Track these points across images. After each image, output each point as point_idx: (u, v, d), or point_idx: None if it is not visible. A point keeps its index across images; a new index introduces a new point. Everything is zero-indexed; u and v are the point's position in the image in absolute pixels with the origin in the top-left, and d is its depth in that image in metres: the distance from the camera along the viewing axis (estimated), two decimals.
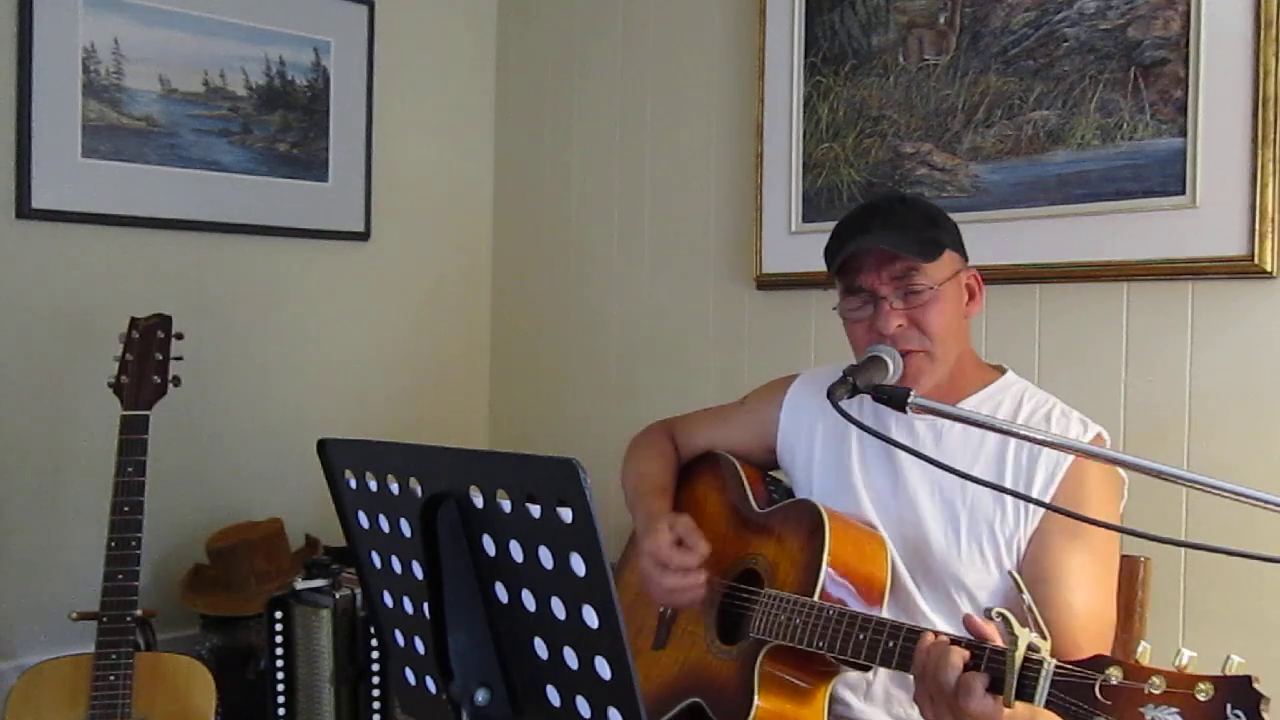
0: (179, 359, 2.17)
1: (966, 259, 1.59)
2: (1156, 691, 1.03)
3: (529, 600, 1.05)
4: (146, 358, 2.13)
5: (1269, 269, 1.81)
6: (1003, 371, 1.63)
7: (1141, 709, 1.03)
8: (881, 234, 1.50)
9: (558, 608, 1.02)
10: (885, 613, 1.49)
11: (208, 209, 2.81)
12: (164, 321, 2.17)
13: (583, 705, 1.03)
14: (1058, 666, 1.11)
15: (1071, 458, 1.48)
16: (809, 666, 1.49)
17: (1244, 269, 1.84)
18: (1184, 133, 1.89)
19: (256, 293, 2.92)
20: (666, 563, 1.57)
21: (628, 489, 1.82)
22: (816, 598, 1.46)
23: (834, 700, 1.54)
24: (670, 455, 1.86)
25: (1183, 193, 1.90)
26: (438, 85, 3.25)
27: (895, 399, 1.36)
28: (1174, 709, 1.02)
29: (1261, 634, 1.81)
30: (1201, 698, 1.00)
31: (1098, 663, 1.08)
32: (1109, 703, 1.06)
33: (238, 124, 2.86)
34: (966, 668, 1.19)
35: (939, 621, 1.52)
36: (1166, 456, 1.88)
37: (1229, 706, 0.99)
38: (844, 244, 1.54)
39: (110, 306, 2.49)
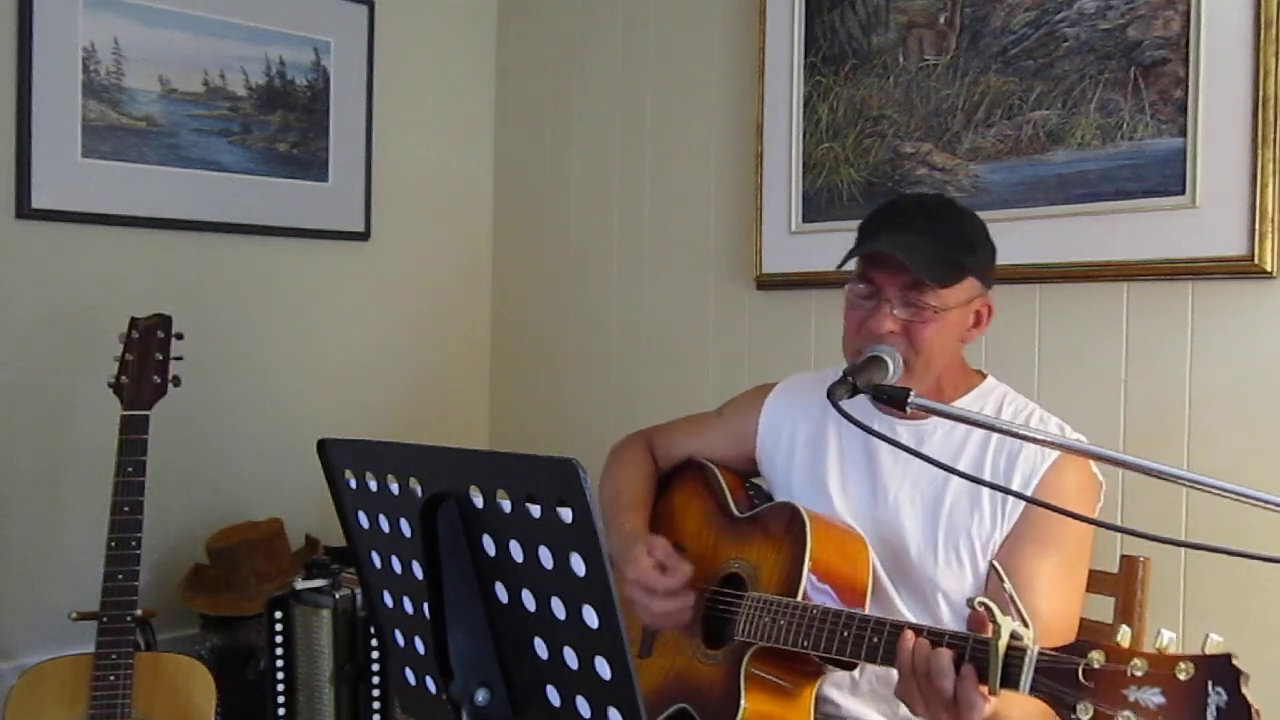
0: (179, 359, 2.17)
1: (990, 286, 1.57)
2: (1138, 673, 1.04)
3: (529, 600, 1.05)
4: (146, 358, 2.13)
5: (1269, 269, 1.81)
6: (983, 376, 1.63)
7: (1124, 691, 1.04)
8: (910, 240, 1.48)
9: (558, 608, 1.02)
10: (869, 612, 1.49)
11: (208, 209, 2.81)
12: (164, 321, 2.17)
13: (583, 705, 1.03)
14: (1040, 653, 1.12)
15: (1046, 465, 1.49)
16: (795, 667, 1.49)
17: (1244, 269, 1.84)
18: (1184, 133, 1.90)
19: (256, 293, 2.92)
20: (653, 588, 1.57)
21: (604, 500, 1.81)
22: (799, 599, 1.47)
23: (821, 699, 1.54)
24: (647, 467, 1.86)
25: (1183, 193, 1.90)
26: (438, 85, 3.25)
27: (895, 399, 1.37)
28: (1156, 689, 1.03)
29: (1261, 634, 1.81)
30: (1182, 677, 1.01)
31: (1080, 647, 1.10)
32: (1092, 686, 1.07)
33: (238, 124, 2.86)
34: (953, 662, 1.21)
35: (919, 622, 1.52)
36: (1166, 456, 1.88)
37: (1210, 684, 1.00)
38: (873, 230, 1.54)
39: (110, 306, 2.49)
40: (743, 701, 1.47)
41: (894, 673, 1.30)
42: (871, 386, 1.41)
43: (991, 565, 1.47)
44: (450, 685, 1.11)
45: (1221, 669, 1.00)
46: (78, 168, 2.62)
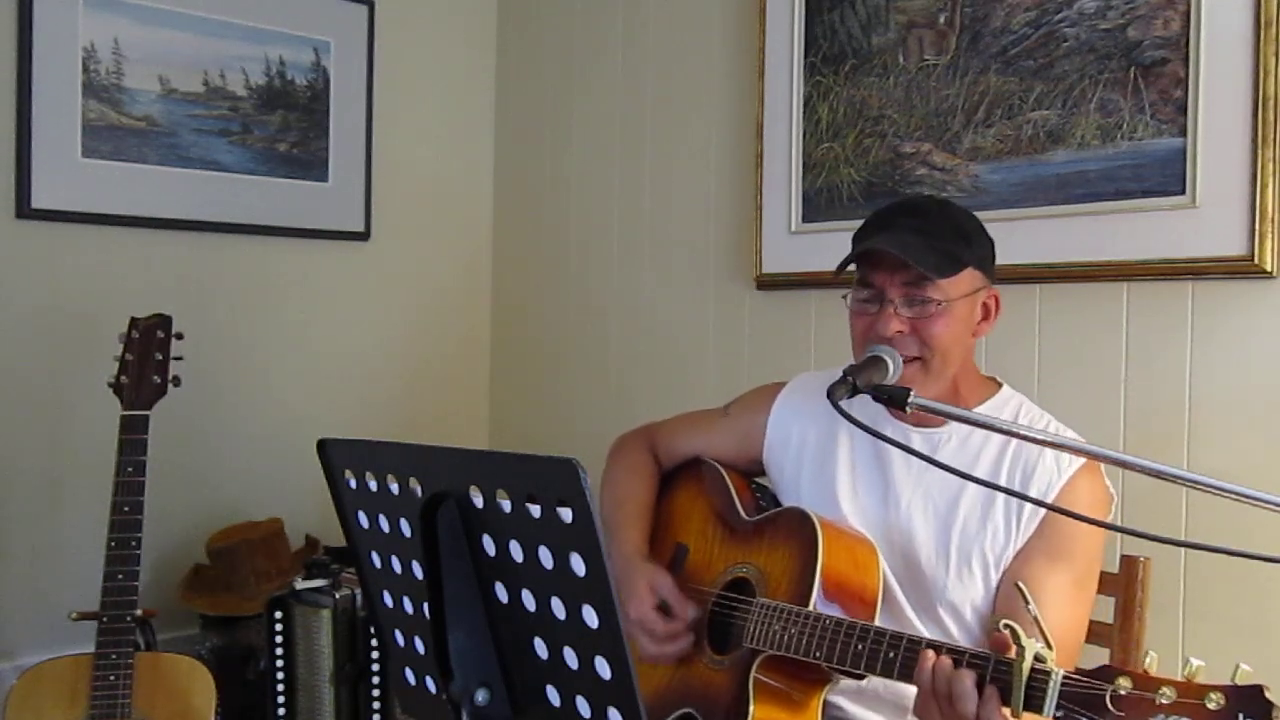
0: (179, 359, 2.17)
1: (991, 278, 1.56)
2: (1167, 701, 1.02)
3: (529, 600, 1.05)
4: (146, 358, 2.13)
5: (1269, 269, 1.81)
6: (999, 385, 1.62)
7: (1151, 719, 1.03)
8: (904, 238, 1.48)
9: (558, 608, 1.02)
10: (878, 620, 1.48)
11: (208, 209, 2.81)
12: (164, 321, 2.17)
13: (583, 705, 1.03)
14: (1066, 677, 1.11)
15: (1063, 481, 1.48)
16: (803, 675, 1.49)
17: (1244, 269, 1.84)
18: (1184, 133, 1.89)
19: (256, 293, 2.92)
20: (654, 632, 1.58)
21: (605, 509, 1.80)
22: (811, 607, 1.45)
23: (828, 705, 1.53)
24: (649, 471, 1.84)
25: (1183, 193, 1.90)
26: (438, 85, 3.25)
27: (895, 399, 1.36)
28: (1185, 719, 1.01)
29: (1261, 634, 1.81)
30: (1212, 707, 1.00)
31: (1107, 673, 1.08)
32: (1120, 713, 1.05)
33: (238, 124, 2.86)
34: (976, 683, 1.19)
35: (927, 632, 1.52)
36: (1166, 456, 1.88)
37: (1240, 716, 0.99)
38: (868, 235, 1.53)
39: (110, 306, 2.48)
40: (751, 709, 1.46)
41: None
42: (871, 386, 1.40)
43: (1016, 586, 1.46)
44: (450, 685, 1.11)
45: (1253, 700, 0.99)
46: (78, 168, 2.62)
